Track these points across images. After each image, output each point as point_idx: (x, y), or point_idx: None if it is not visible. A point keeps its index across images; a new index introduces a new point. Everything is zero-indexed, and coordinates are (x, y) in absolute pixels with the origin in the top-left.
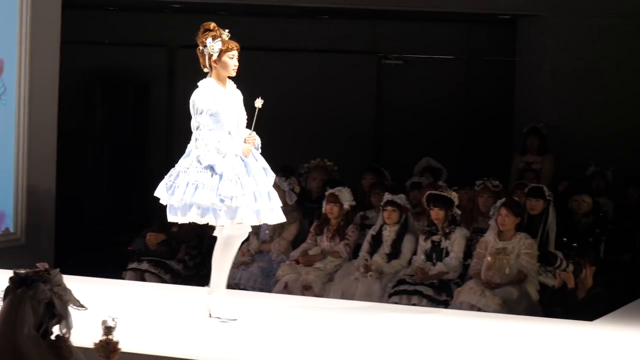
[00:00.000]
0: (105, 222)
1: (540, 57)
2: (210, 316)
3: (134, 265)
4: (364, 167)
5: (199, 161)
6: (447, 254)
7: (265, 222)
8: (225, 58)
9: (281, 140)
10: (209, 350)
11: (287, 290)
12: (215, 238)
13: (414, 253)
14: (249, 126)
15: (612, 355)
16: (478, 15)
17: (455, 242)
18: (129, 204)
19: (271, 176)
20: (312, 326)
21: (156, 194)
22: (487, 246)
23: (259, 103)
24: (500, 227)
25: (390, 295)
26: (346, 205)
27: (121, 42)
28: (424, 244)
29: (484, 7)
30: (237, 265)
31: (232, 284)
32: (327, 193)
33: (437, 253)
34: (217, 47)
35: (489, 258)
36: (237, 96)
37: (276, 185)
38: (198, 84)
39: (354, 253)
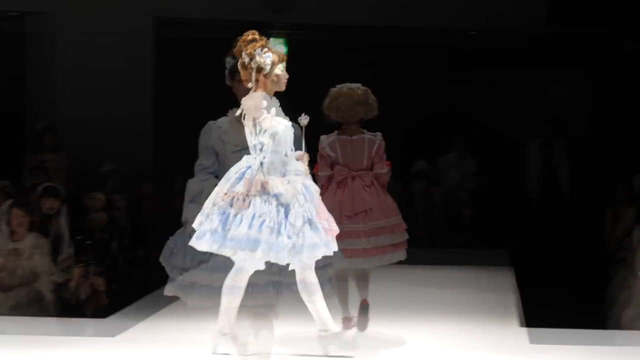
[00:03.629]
0: None
1: (51, 54)
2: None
3: None
4: None
5: (264, 187)
6: None
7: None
8: (276, 71)
9: None
10: None
11: None
12: None
13: None
14: (298, 147)
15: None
16: None
17: None
18: None
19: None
20: None
21: (198, 218)
22: None
23: (304, 121)
24: (12, 228)
25: None
26: None
27: None
28: None
29: None
30: None
31: None
32: None
33: None
34: (269, 59)
35: (0, 260)
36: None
37: None
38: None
39: None
